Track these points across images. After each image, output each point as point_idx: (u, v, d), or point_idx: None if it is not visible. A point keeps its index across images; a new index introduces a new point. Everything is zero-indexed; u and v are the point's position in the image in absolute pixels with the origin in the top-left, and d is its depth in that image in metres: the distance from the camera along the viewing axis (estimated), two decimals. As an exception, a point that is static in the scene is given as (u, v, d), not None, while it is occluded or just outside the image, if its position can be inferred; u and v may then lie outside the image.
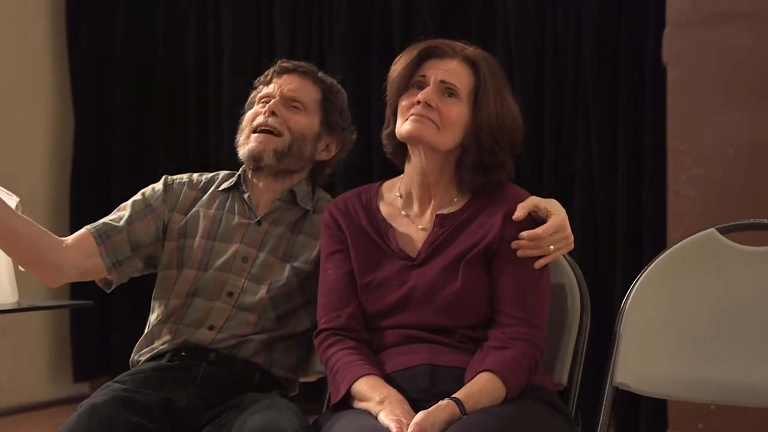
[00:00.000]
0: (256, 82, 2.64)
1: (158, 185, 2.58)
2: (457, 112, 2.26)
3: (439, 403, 2.07)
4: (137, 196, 2.57)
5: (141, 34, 5.24)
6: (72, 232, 5.77)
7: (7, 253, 2.51)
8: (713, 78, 3.67)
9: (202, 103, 5.06)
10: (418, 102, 2.26)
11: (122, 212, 2.53)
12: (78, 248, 2.47)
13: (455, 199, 2.33)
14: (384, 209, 2.37)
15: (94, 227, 2.50)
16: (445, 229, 2.29)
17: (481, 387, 2.12)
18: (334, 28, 4.67)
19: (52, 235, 2.47)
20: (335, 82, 2.63)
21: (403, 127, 2.28)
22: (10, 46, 5.07)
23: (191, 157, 5.00)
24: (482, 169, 2.29)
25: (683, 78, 3.72)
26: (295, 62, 2.62)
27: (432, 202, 2.33)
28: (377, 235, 2.33)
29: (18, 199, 2.84)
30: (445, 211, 2.32)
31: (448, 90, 2.27)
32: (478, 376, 2.14)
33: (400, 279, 2.27)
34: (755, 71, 3.62)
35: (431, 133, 2.26)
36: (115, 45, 5.27)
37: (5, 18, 5.05)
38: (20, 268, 2.85)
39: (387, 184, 2.42)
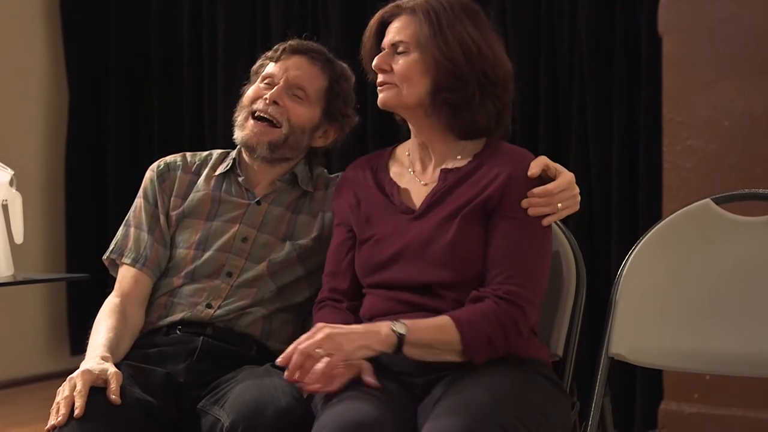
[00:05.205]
0: (263, 56, 2.60)
1: (153, 176, 2.56)
2: (406, 63, 2.28)
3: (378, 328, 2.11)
4: (141, 199, 2.55)
5: (136, 13, 5.21)
6: (67, 212, 5.70)
7: None
8: (709, 49, 3.66)
9: (197, 83, 5.03)
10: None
11: (138, 221, 2.53)
12: (142, 295, 2.49)
13: (459, 156, 2.33)
14: (394, 168, 2.39)
15: (133, 259, 2.49)
16: (448, 183, 2.29)
17: (431, 323, 2.13)
18: (328, 5, 4.64)
19: (130, 313, 2.47)
20: (345, 67, 2.59)
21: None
22: (3, 23, 5.05)
23: (186, 136, 4.99)
24: (451, 108, 2.28)
25: (679, 49, 3.71)
26: (307, 44, 2.58)
27: (434, 158, 2.34)
28: (382, 193, 2.35)
29: (12, 173, 2.83)
30: (449, 166, 2.32)
31: (397, 48, 2.30)
32: (438, 317, 2.15)
33: (399, 233, 2.27)
34: (750, 43, 3.61)
35: (394, 95, 2.30)
36: (110, 24, 5.24)
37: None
38: (16, 241, 2.85)
39: (401, 146, 2.44)
